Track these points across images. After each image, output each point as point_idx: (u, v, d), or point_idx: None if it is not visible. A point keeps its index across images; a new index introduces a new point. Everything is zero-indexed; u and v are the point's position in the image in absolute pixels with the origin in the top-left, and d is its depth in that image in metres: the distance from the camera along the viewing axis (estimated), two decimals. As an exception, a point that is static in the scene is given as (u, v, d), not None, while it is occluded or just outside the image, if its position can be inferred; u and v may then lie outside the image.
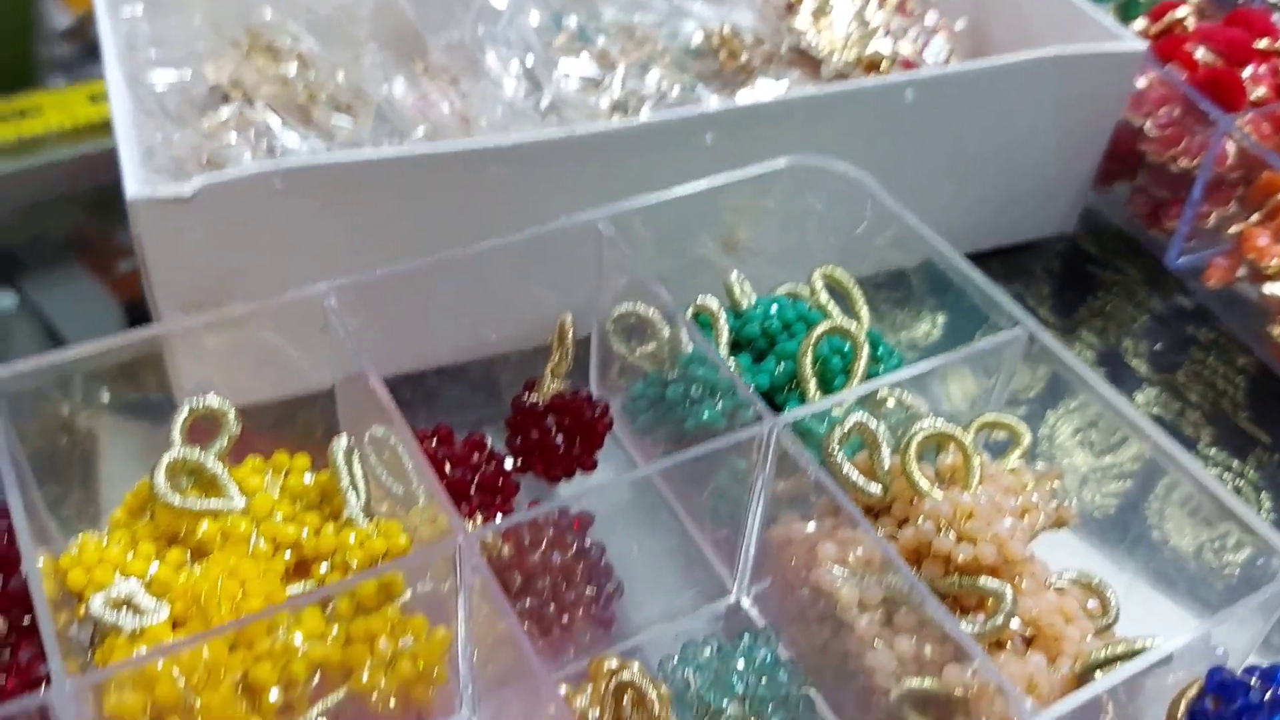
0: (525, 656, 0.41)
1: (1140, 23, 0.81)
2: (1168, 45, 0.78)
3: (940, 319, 0.76)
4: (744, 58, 0.72)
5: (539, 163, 0.61)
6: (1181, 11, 0.80)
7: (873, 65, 0.73)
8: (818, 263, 0.66)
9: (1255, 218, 0.71)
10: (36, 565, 0.44)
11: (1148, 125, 0.74)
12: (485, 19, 0.68)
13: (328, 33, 0.67)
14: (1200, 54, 0.75)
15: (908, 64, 0.74)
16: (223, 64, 0.64)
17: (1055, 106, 0.73)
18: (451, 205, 0.61)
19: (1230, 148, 0.72)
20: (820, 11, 0.73)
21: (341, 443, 0.52)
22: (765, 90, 0.71)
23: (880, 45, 0.72)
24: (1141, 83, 0.76)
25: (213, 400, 0.52)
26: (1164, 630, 0.47)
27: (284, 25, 0.66)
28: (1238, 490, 0.67)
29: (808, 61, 0.73)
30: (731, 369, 0.58)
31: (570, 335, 0.59)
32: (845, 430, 0.50)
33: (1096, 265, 0.82)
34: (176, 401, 0.53)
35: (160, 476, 0.50)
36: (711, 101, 0.70)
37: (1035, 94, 0.72)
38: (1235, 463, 0.69)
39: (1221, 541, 0.60)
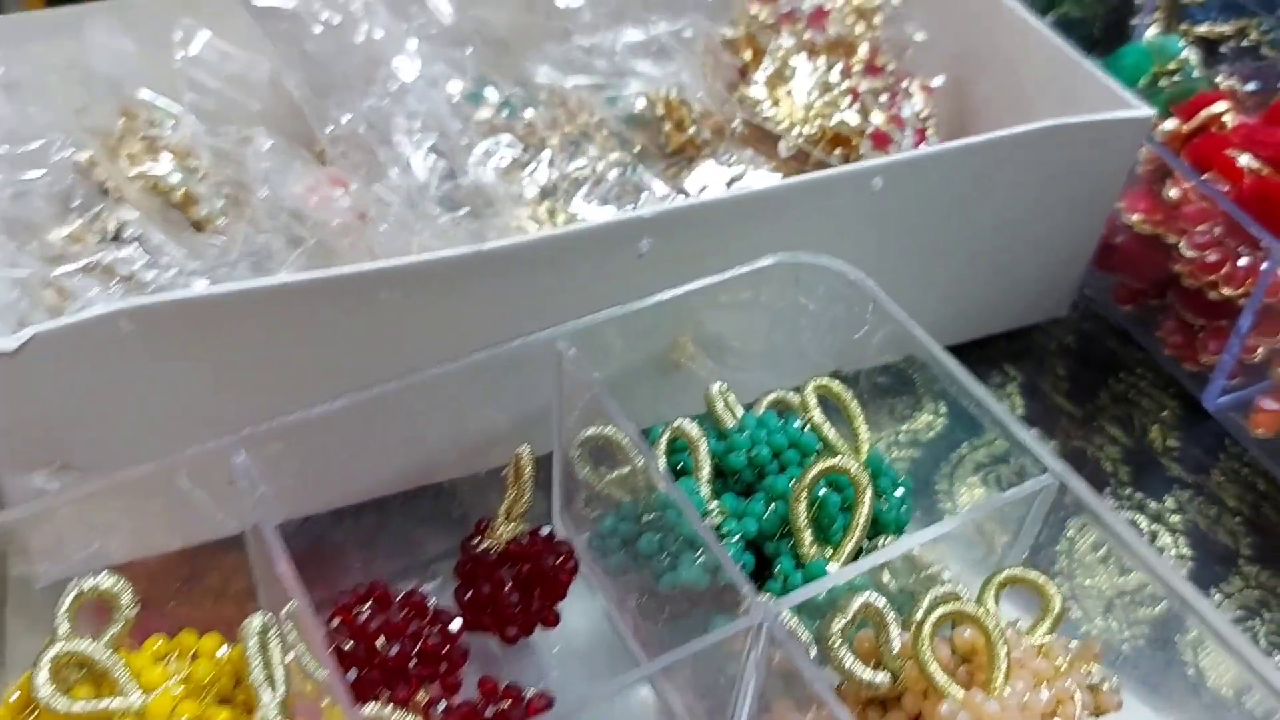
0: None
1: (1171, 122, 0.69)
2: (1205, 149, 0.66)
3: (943, 408, 0.69)
4: (691, 130, 0.63)
5: (440, 281, 0.51)
6: (1218, 107, 0.68)
7: (838, 140, 0.63)
8: (807, 362, 0.59)
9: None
10: None
11: (1183, 245, 0.64)
12: (393, 93, 0.58)
13: (216, 112, 0.58)
14: (1245, 160, 0.64)
15: (879, 137, 0.64)
16: (86, 160, 0.54)
17: (1047, 182, 0.64)
18: (341, 333, 0.51)
19: (1283, 273, 0.61)
20: (778, 77, 0.63)
21: (254, 624, 0.44)
22: (712, 176, 0.61)
23: (847, 115, 0.63)
24: (1174, 193, 0.65)
25: (104, 581, 0.44)
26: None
27: (163, 107, 0.56)
28: (1285, 616, 0.60)
29: (764, 136, 0.63)
30: (715, 513, 0.50)
31: (528, 472, 0.51)
32: (846, 619, 0.42)
33: (1119, 339, 0.74)
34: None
35: (42, 677, 0.42)
36: (654, 187, 0.61)
37: (1023, 170, 0.62)
38: (1281, 584, 0.61)
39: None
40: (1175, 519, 0.64)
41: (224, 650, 0.47)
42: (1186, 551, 0.63)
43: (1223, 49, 0.82)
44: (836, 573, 0.45)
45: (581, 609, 0.55)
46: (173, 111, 0.59)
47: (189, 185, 0.55)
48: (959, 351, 0.74)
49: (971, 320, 0.70)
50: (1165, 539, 0.64)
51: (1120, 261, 0.71)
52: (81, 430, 0.50)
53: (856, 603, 0.43)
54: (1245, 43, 0.82)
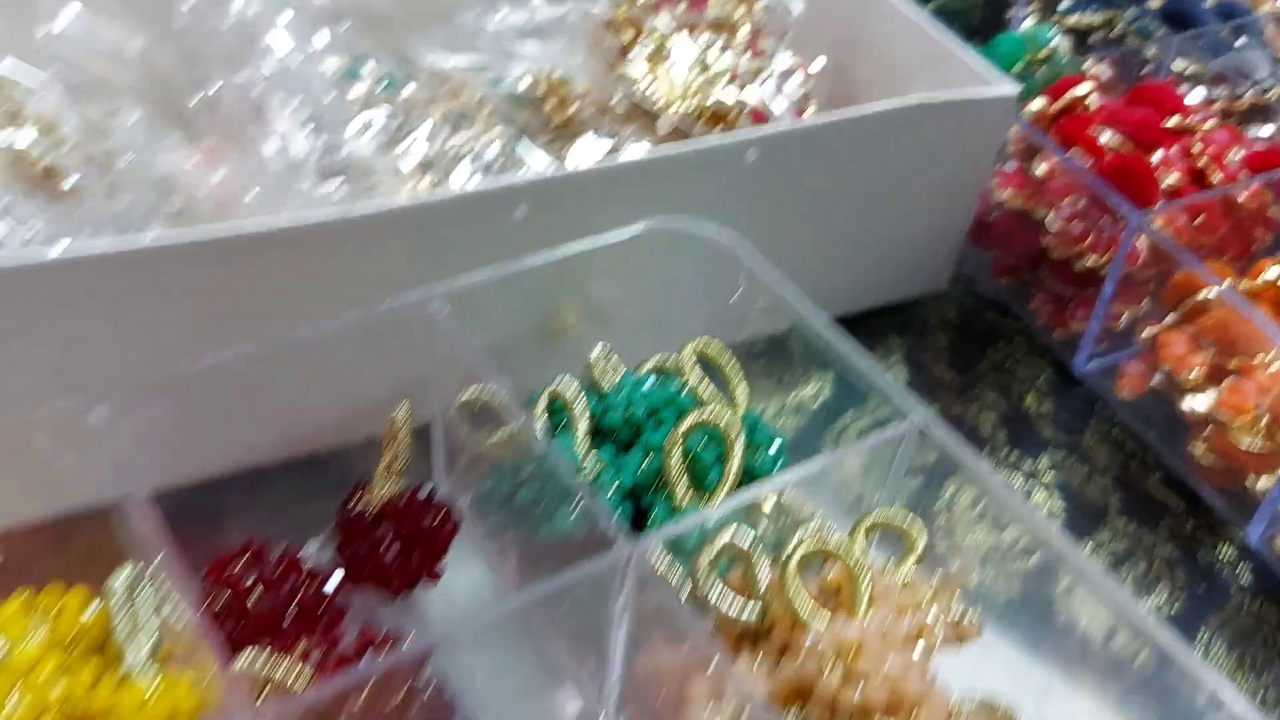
0: None
1: (1039, 101, 0.72)
2: (1070, 128, 0.70)
3: (830, 376, 0.70)
4: (573, 108, 0.65)
5: (308, 247, 0.51)
6: (1083, 89, 0.71)
7: (717, 117, 0.64)
8: (690, 329, 0.60)
9: (1170, 319, 0.63)
10: None
11: (1050, 218, 0.66)
12: (267, 69, 0.58)
13: (83, 86, 0.57)
14: (1106, 138, 0.67)
15: (757, 115, 0.65)
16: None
17: (920, 158, 0.66)
18: (208, 299, 0.51)
19: (1142, 243, 0.64)
20: (657, 55, 0.64)
21: (122, 575, 0.44)
22: (589, 150, 0.62)
23: (724, 94, 0.64)
24: (1042, 169, 0.68)
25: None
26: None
27: (21, 80, 0.56)
28: (1150, 567, 0.62)
29: (644, 113, 0.64)
30: (591, 466, 0.51)
31: (404, 431, 0.52)
32: (714, 554, 0.43)
33: (997, 311, 0.76)
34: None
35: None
36: (535, 159, 0.62)
37: (896, 146, 0.65)
38: (1147, 535, 0.63)
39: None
40: (1049, 477, 0.66)
41: (96, 605, 0.46)
42: (1059, 506, 0.65)
43: (1091, 39, 0.86)
44: (703, 513, 0.46)
45: (465, 570, 0.55)
46: (32, 84, 0.58)
47: (52, 157, 0.55)
48: (843, 325, 0.76)
49: (850, 293, 0.72)
50: (1040, 495, 0.66)
51: (995, 238, 0.73)
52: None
53: (723, 538, 0.43)
54: (1113, 33, 0.85)
